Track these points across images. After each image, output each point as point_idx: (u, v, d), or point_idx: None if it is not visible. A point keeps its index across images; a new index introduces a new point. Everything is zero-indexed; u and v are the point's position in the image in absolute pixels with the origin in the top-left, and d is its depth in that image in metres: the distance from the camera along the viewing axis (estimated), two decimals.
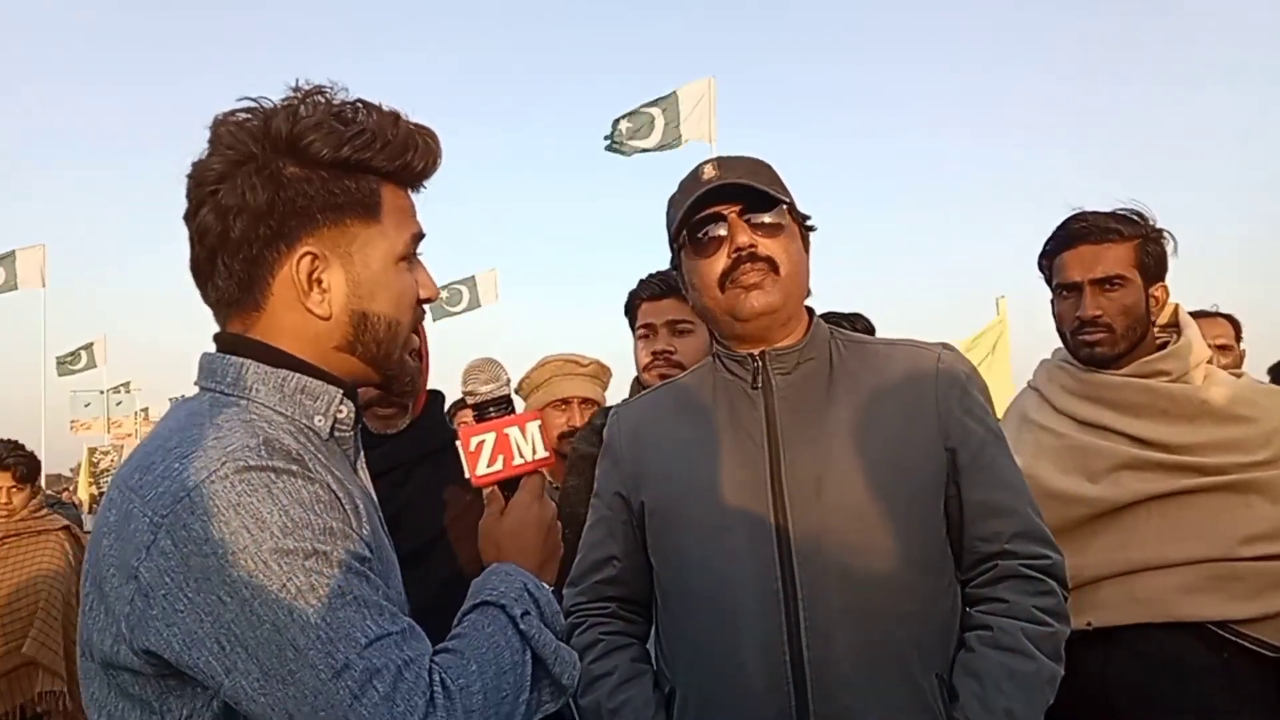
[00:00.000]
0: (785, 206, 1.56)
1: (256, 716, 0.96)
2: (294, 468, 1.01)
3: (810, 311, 1.64)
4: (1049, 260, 2.14)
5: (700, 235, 1.57)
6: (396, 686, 0.96)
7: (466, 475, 1.23)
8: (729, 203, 1.54)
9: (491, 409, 1.25)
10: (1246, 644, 1.91)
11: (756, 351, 1.57)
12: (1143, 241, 2.06)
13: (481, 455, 1.21)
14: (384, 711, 0.95)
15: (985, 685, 1.43)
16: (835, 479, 1.48)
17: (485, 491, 1.25)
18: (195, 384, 1.13)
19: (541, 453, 1.23)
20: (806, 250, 1.61)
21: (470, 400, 1.26)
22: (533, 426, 1.23)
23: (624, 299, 2.47)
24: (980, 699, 1.42)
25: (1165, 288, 2.10)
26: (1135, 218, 2.07)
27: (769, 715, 1.44)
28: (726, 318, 1.57)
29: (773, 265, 1.53)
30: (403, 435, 1.99)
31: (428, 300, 1.19)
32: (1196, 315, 3.47)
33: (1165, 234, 2.09)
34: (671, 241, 1.64)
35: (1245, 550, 1.93)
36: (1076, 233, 2.08)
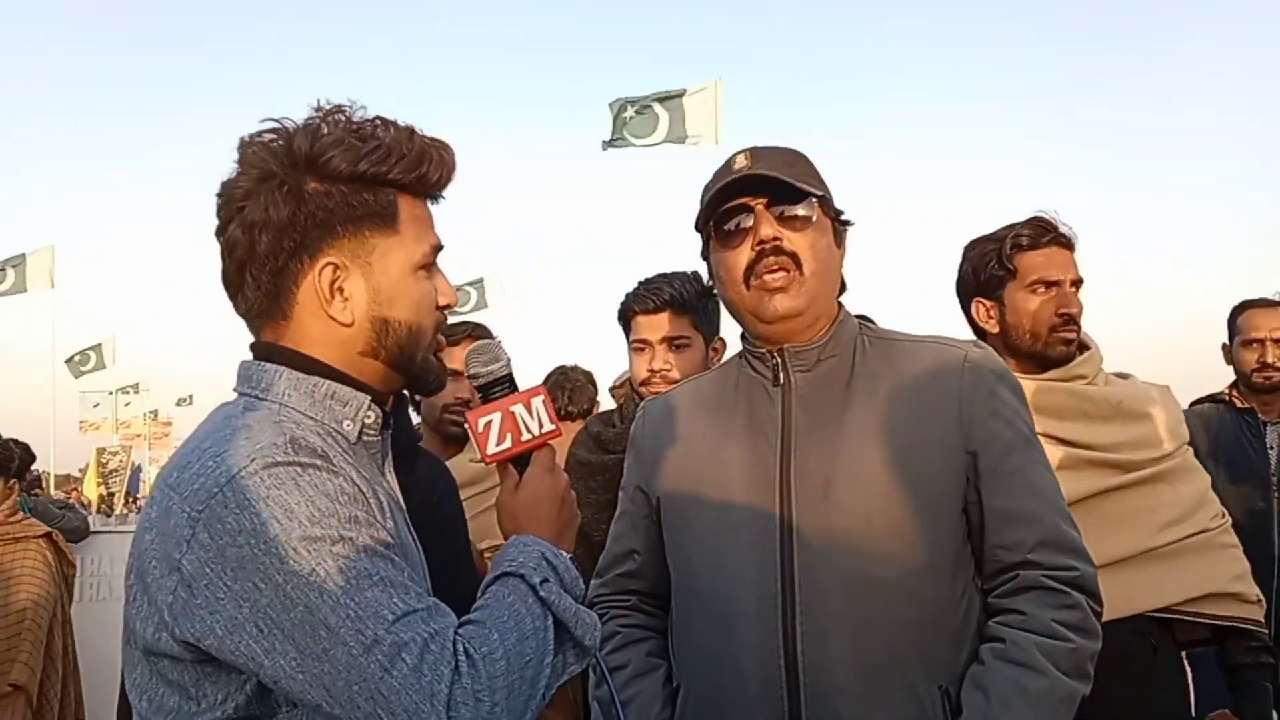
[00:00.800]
0: (816, 200, 1.51)
1: (295, 694, 1.02)
2: (319, 462, 1.07)
3: (839, 306, 1.60)
4: (1017, 253, 2.18)
5: (727, 226, 1.54)
6: (423, 658, 1.01)
7: (478, 456, 1.25)
8: (757, 194, 1.50)
9: (496, 389, 1.27)
10: (1187, 618, 2.05)
11: (777, 349, 1.54)
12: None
13: (490, 435, 1.24)
14: (412, 682, 1.00)
15: (991, 700, 1.37)
16: (844, 481, 1.44)
17: (499, 469, 1.28)
18: (234, 390, 1.20)
19: (548, 426, 1.25)
20: (839, 245, 1.57)
21: (474, 383, 1.28)
22: (537, 401, 1.26)
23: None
24: (984, 714, 1.37)
25: None
26: None
27: (762, 716, 1.42)
28: (750, 316, 1.55)
29: (796, 262, 1.49)
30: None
31: (447, 307, 1.25)
32: (1257, 305, 3.40)
33: None
34: (699, 230, 1.62)
35: (1163, 536, 2.05)
36: (1050, 234, 2.17)
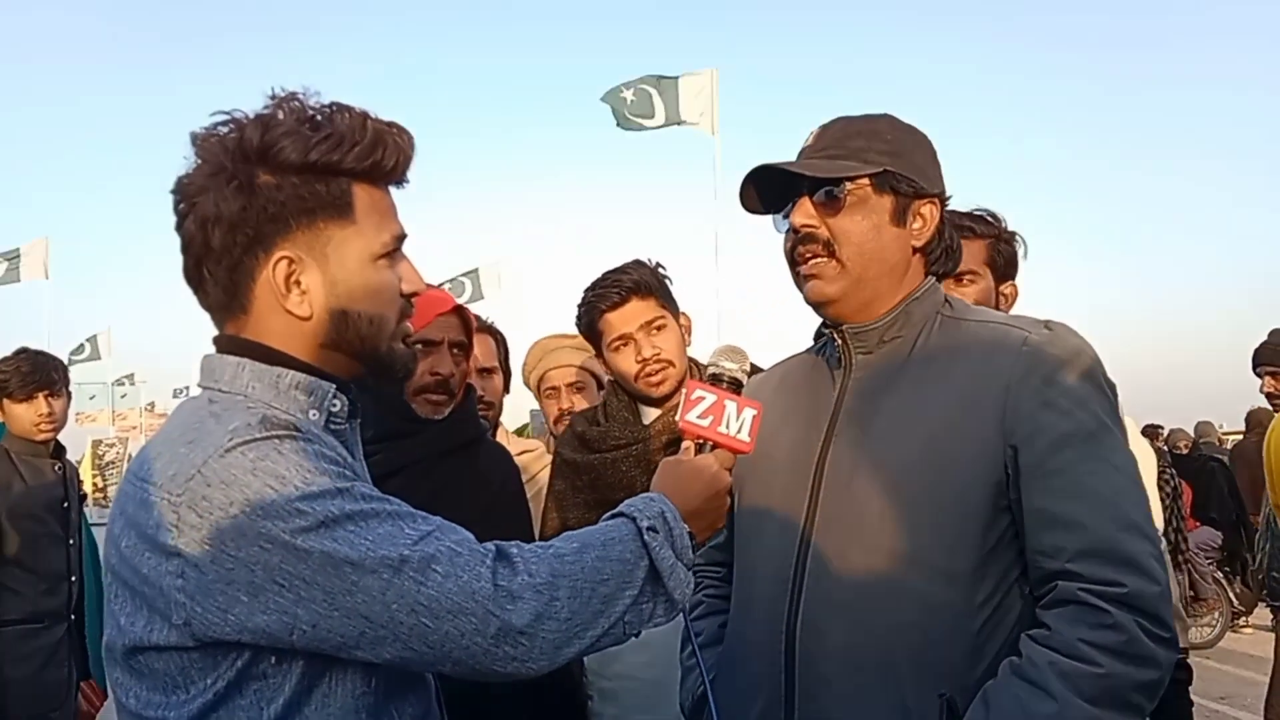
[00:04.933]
0: (869, 178, 1.44)
1: (334, 634, 1.02)
2: (295, 433, 1.07)
3: (923, 282, 1.50)
4: None
5: (778, 214, 1.52)
6: (454, 562, 1.04)
7: (676, 417, 1.33)
8: (805, 176, 1.45)
9: (724, 382, 1.36)
10: None
11: (838, 330, 1.50)
12: (995, 241, 2.12)
13: (696, 406, 1.32)
14: (450, 586, 1.03)
15: (991, 717, 1.25)
16: (868, 470, 1.39)
17: (684, 443, 1.34)
18: (198, 385, 1.19)
19: (744, 437, 1.32)
20: (903, 221, 1.46)
21: (712, 370, 1.38)
22: (749, 412, 1.32)
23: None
24: None
25: (1014, 286, 2.16)
26: (989, 218, 2.14)
27: (763, 699, 1.42)
28: (803, 298, 1.52)
29: (830, 248, 1.44)
30: (436, 426, 2.02)
31: (413, 294, 1.23)
32: None
33: (1017, 236, 2.15)
34: (750, 211, 1.57)
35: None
36: None
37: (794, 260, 1.48)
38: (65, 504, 3.65)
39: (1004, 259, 2.13)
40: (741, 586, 1.50)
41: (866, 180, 1.44)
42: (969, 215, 2.13)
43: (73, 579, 3.60)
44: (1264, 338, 4.23)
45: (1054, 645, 1.26)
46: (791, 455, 1.47)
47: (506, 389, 2.80)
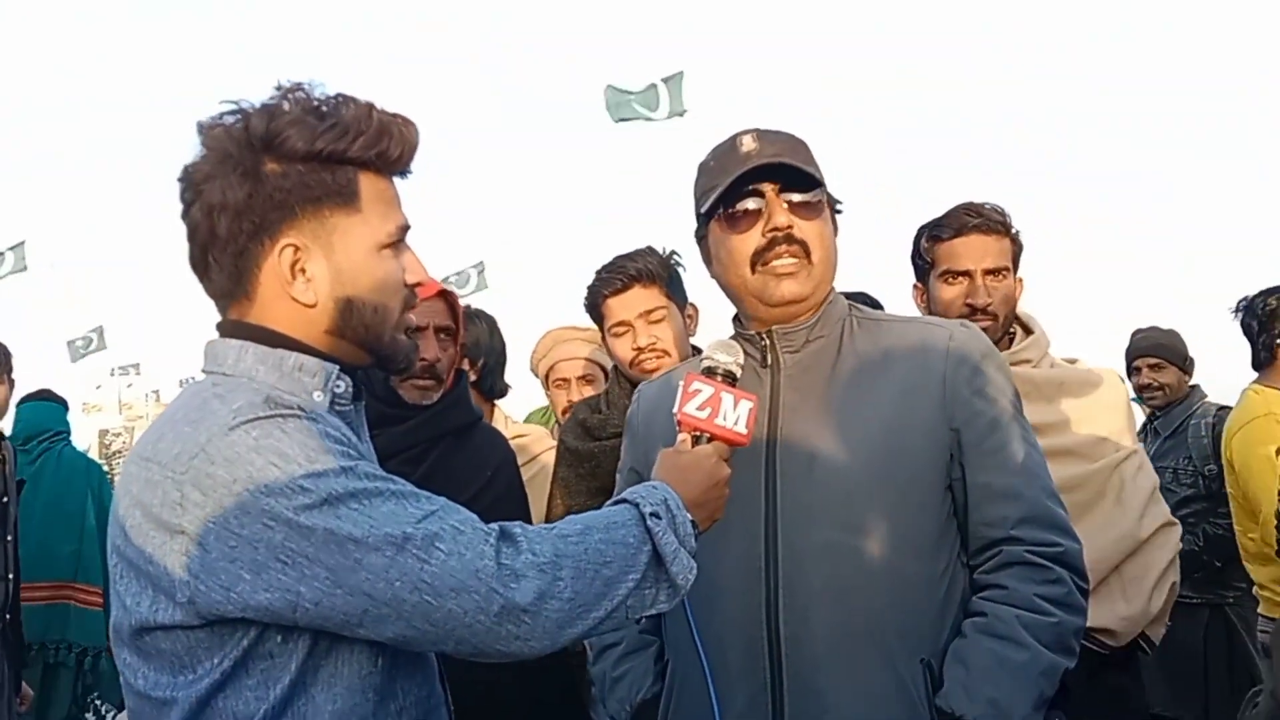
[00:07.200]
0: (822, 188, 1.53)
1: (337, 617, 1.04)
2: (299, 413, 1.09)
3: (830, 289, 1.60)
4: (934, 244, 2.20)
5: (734, 210, 1.53)
6: (457, 540, 1.06)
7: (674, 409, 1.36)
8: (768, 179, 1.50)
9: (718, 375, 1.39)
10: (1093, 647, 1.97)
11: (766, 330, 1.56)
12: (1014, 236, 2.19)
13: (694, 399, 1.35)
14: (453, 564, 1.05)
15: (972, 672, 1.40)
16: (828, 458, 1.47)
17: (680, 436, 1.37)
18: (202, 370, 1.20)
19: (741, 429, 1.34)
20: (835, 233, 1.59)
21: (706, 364, 1.41)
22: (746, 404, 1.35)
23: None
24: (965, 686, 1.39)
25: (1021, 281, 2.23)
26: (1006, 214, 2.19)
27: (746, 691, 1.44)
28: (752, 299, 1.54)
29: (806, 250, 1.50)
30: (427, 411, 2.04)
31: (416, 285, 1.24)
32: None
33: (1018, 232, 2.23)
34: (701, 213, 1.59)
35: (1143, 529, 2.04)
36: (970, 222, 2.16)
37: (760, 259, 1.51)
38: (4, 499, 3.50)
39: (1019, 254, 2.21)
40: (699, 583, 1.50)
41: (822, 190, 1.54)
42: (997, 210, 2.17)
43: (10, 577, 3.45)
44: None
45: (1014, 602, 1.43)
46: (734, 450, 1.48)
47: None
